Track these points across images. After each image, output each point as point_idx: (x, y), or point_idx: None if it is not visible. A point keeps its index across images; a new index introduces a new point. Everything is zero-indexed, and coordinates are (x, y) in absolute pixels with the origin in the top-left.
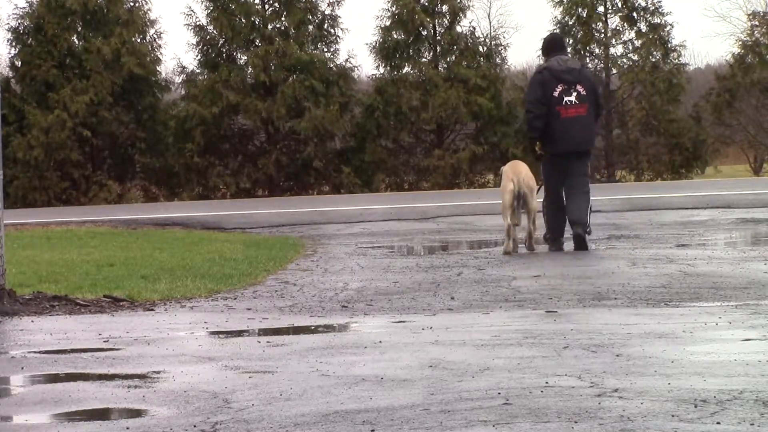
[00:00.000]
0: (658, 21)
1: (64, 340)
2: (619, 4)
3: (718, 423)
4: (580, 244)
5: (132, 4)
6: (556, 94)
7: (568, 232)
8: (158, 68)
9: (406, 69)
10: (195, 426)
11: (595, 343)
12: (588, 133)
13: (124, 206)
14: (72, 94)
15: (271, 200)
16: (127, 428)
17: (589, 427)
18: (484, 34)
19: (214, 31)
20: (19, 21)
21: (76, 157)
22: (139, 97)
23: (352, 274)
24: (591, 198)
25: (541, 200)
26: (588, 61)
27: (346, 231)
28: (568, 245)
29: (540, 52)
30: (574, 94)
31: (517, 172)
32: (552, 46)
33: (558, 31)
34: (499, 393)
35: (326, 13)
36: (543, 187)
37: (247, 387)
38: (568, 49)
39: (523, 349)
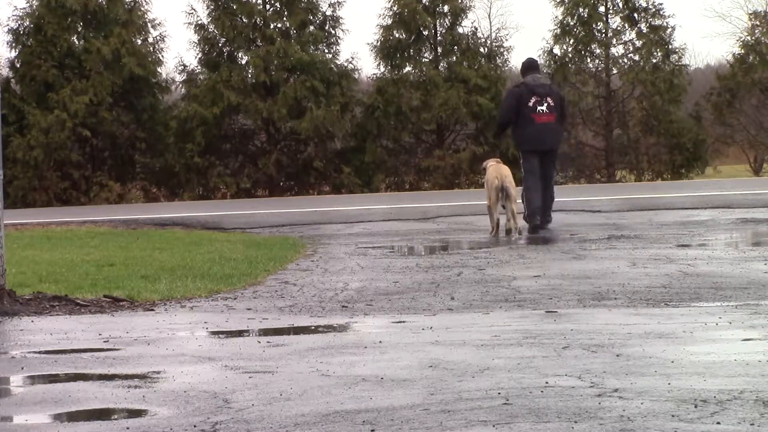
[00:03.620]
0: (660, 23)
1: (64, 340)
2: (620, 5)
3: (718, 423)
4: (539, 228)
5: (132, 4)
6: (531, 104)
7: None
8: (159, 69)
9: (407, 69)
10: (195, 426)
11: (595, 343)
12: (556, 136)
13: (124, 206)
14: (72, 94)
15: (272, 200)
16: (127, 428)
17: (589, 427)
18: (485, 35)
19: (215, 31)
20: (19, 21)
21: (76, 158)
22: (139, 97)
23: (352, 274)
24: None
25: (521, 188)
26: (588, 60)
27: (346, 231)
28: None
29: (521, 71)
30: (545, 104)
31: (501, 173)
32: (528, 67)
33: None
34: (499, 393)
35: (327, 14)
36: (523, 173)
37: (247, 387)
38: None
39: (523, 349)
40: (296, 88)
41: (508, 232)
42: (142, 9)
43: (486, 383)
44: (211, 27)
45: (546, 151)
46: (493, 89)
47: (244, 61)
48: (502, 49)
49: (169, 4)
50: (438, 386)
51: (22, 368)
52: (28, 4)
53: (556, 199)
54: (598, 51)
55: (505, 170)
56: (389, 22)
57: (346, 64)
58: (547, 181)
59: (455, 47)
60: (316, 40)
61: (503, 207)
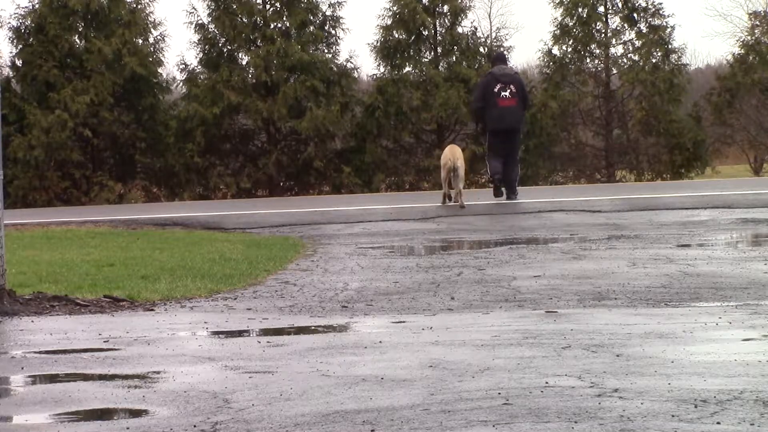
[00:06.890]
0: (659, 22)
1: (64, 340)
2: (620, 5)
3: (718, 423)
4: (502, 196)
5: (134, 5)
6: (496, 90)
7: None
8: (159, 69)
9: (407, 69)
10: (195, 426)
11: (595, 343)
12: (516, 118)
13: (125, 206)
14: (73, 94)
15: (272, 200)
16: (127, 428)
17: (589, 427)
18: (485, 35)
19: (216, 31)
20: (21, 20)
21: (77, 157)
22: (140, 97)
23: (352, 274)
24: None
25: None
26: (588, 61)
27: (346, 231)
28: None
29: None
30: (508, 90)
31: (453, 154)
32: (497, 58)
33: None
34: (499, 393)
35: (327, 13)
36: (487, 147)
37: (247, 387)
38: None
39: (523, 349)
40: (296, 88)
41: (451, 199)
42: (146, 11)
43: (486, 383)
44: (212, 27)
45: (508, 130)
46: None
47: (244, 61)
48: (502, 49)
49: (170, 3)
50: (438, 386)
51: (22, 368)
52: (30, 4)
53: (555, 200)
54: (597, 51)
55: (458, 152)
56: (389, 22)
57: (345, 64)
58: (511, 158)
59: (455, 47)
60: (316, 39)
61: (451, 183)
